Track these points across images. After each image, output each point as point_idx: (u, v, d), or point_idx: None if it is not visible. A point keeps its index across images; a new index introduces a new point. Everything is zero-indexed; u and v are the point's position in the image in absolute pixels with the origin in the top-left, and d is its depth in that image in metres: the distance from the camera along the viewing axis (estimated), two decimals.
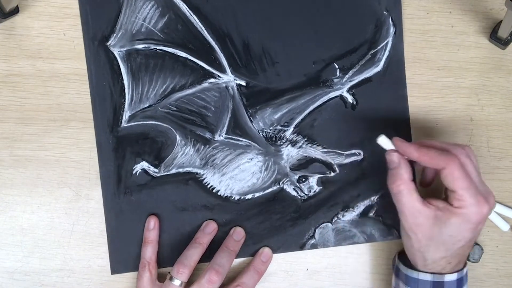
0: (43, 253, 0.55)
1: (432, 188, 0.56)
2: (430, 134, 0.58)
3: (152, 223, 0.54)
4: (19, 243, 0.55)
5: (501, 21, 0.56)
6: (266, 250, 0.57)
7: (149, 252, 0.54)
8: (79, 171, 0.55)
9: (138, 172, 0.55)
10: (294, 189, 0.57)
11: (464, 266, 0.51)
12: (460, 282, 0.50)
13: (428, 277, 0.50)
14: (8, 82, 0.54)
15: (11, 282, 0.55)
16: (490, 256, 0.59)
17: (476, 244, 0.58)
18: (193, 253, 0.53)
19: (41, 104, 0.55)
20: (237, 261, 0.57)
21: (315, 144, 0.57)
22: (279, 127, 0.56)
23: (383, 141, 0.50)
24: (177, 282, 0.52)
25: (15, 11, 0.53)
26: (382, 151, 0.53)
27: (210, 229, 0.55)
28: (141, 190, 0.55)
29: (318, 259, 0.58)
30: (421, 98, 0.58)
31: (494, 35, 0.57)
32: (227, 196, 0.56)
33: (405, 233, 0.50)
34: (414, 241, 0.49)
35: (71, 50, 0.55)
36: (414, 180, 0.50)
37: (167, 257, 0.55)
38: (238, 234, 0.56)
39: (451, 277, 0.49)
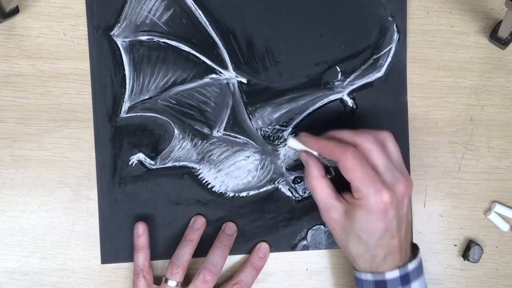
0: (43, 253, 0.55)
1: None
2: (430, 134, 0.58)
3: (141, 229, 0.54)
4: (19, 243, 0.55)
5: (501, 21, 0.56)
6: (263, 245, 0.57)
7: (141, 259, 0.54)
8: (79, 171, 0.55)
9: (134, 163, 0.55)
10: (289, 189, 0.57)
11: (410, 261, 0.49)
12: (406, 278, 0.49)
13: (369, 277, 0.49)
14: (8, 82, 0.54)
15: (11, 282, 0.55)
16: (490, 256, 0.59)
17: (476, 244, 0.58)
18: (184, 252, 0.53)
19: (41, 104, 0.55)
20: (235, 259, 0.57)
21: None
22: (277, 127, 0.56)
23: (293, 143, 0.51)
24: (172, 283, 0.52)
25: (15, 11, 0.53)
26: None
27: (198, 224, 0.55)
28: (136, 181, 0.55)
29: (318, 259, 0.58)
30: (421, 98, 0.58)
31: (494, 35, 0.57)
32: (221, 192, 0.56)
33: (329, 228, 0.51)
34: (335, 236, 0.50)
35: (71, 50, 0.55)
36: (332, 175, 0.51)
37: (160, 250, 0.55)
38: (230, 229, 0.56)
39: (393, 274, 0.48)
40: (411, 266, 0.49)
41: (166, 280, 0.52)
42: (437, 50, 0.58)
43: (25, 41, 0.54)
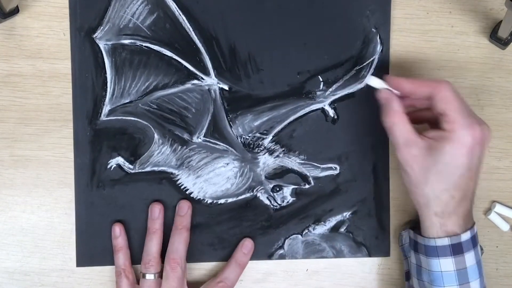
0: (43, 253, 0.55)
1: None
2: None
3: (118, 230, 0.54)
4: (19, 243, 0.55)
5: (501, 21, 0.56)
6: (247, 242, 0.56)
7: (122, 259, 0.54)
8: None
9: (112, 167, 0.55)
10: (267, 197, 0.57)
11: (474, 223, 0.50)
12: (474, 240, 0.49)
13: (445, 242, 0.48)
14: (8, 82, 0.54)
15: (11, 282, 0.55)
16: (490, 256, 0.59)
17: None
18: (152, 245, 0.53)
19: (41, 104, 0.55)
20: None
21: (292, 154, 0.57)
22: (258, 135, 0.56)
23: (373, 81, 0.51)
24: (150, 277, 0.53)
25: (15, 11, 0.53)
26: (359, 167, 0.56)
27: (156, 213, 0.55)
28: (114, 185, 0.55)
29: (318, 259, 0.58)
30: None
31: (494, 35, 0.57)
32: (199, 198, 0.56)
33: (403, 169, 0.49)
34: (411, 176, 0.48)
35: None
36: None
37: (137, 254, 0.55)
38: (182, 210, 0.55)
39: (466, 236, 0.48)
40: (476, 228, 0.50)
41: (144, 275, 0.53)
42: (437, 50, 0.58)
43: (25, 41, 0.54)
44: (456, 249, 0.48)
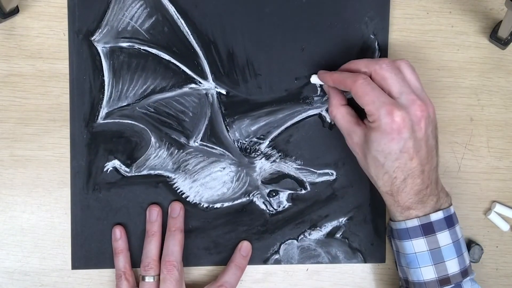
0: (43, 253, 0.55)
1: None
2: None
3: (118, 233, 0.54)
4: (19, 243, 0.55)
5: (501, 21, 0.56)
6: (245, 244, 0.57)
7: (122, 262, 0.54)
8: None
9: (109, 170, 0.55)
10: (263, 202, 0.57)
11: (449, 204, 0.51)
12: (450, 220, 0.50)
13: (415, 222, 0.50)
14: (8, 82, 0.54)
15: (11, 282, 0.55)
16: (490, 256, 0.59)
17: (476, 244, 0.58)
18: (151, 247, 0.53)
19: (41, 104, 0.55)
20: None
21: (289, 159, 0.57)
22: (255, 139, 0.56)
23: (315, 79, 0.55)
24: (149, 279, 0.53)
25: (15, 11, 0.53)
26: (355, 173, 0.56)
27: (154, 216, 0.55)
28: (110, 188, 0.55)
29: None
30: None
31: (494, 35, 0.57)
32: (195, 202, 0.56)
33: (355, 155, 0.52)
34: (359, 160, 0.52)
35: None
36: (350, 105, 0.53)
37: (132, 258, 0.55)
38: (174, 211, 0.55)
39: (437, 216, 0.49)
40: (453, 208, 0.51)
41: (143, 278, 0.53)
42: (437, 50, 0.58)
43: (25, 41, 0.54)
44: (427, 229, 0.49)
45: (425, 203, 0.50)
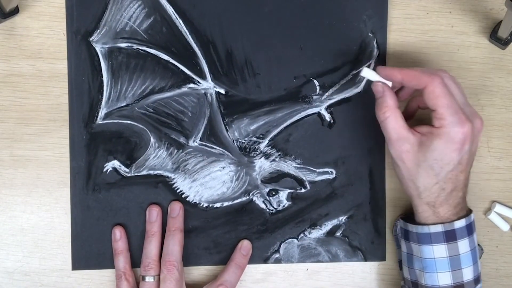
0: (43, 253, 0.55)
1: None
2: None
3: (118, 234, 0.54)
4: (19, 243, 0.55)
5: (501, 21, 0.56)
6: (245, 243, 0.57)
7: (122, 262, 0.54)
8: None
9: (108, 170, 0.55)
10: (263, 201, 0.57)
11: (470, 212, 0.51)
12: (470, 228, 0.50)
13: (439, 228, 0.49)
14: (8, 82, 0.54)
15: (11, 282, 0.55)
16: (490, 256, 0.59)
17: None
18: (151, 248, 0.53)
19: (41, 104, 0.55)
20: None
21: (288, 158, 0.57)
22: (254, 139, 0.56)
23: (368, 73, 0.51)
24: (150, 279, 0.53)
25: (15, 11, 0.53)
26: (354, 172, 0.56)
27: (154, 216, 0.55)
28: (110, 188, 0.55)
29: None
30: None
31: (494, 35, 0.57)
32: (195, 202, 0.56)
33: (395, 163, 0.50)
34: (403, 170, 0.50)
35: None
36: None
37: (132, 258, 0.55)
38: (174, 211, 0.55)
39: (460, 224, 0.49)
40: (473, 216, 0.51)
41: (143, 278, 0.53)
42: (437, 50, 0.58)
43: (25, 41, 0.54)
44: (450, 236, 0.49)
45: (458, 214, 0.50)
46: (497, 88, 0.59)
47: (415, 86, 0.49)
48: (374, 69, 0.51)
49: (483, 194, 0.59)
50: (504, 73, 0.59)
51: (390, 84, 0.50)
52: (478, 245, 0.58)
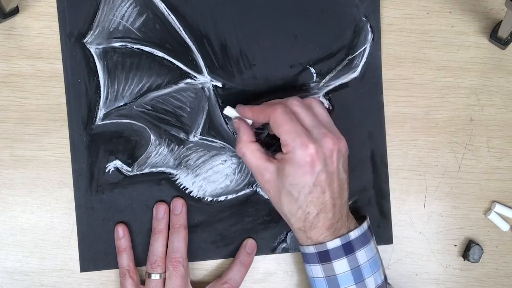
0: (43, 253, 0.55)
1: None
2: (430, 134, 0.58)
3: (121, 231, 0.54)
4: (19, 243, 0.55)
5: (501, 21, 0.56)
6: (250, 241, 0.57)
7: (126, 260, 0.54)
8: None
9: (111, 171, 0.55)
10: None
11: (351, 230, 0.50)
12: (349, 247, 0.49)
13: (312, 249, 0.50)
14: (8, 82, 0.54)
15: (11, 282, 0.55)
16: (490, 256, 0.59)
17: (476, 244, 0.58)
18: (158, 245, 0.54)
19: (41, 104, 0.55)
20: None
21: None
22: (254, 130, 0.56)
23: (229, 111, 0.53)
24: (156, 276, 0.53)
25: (15, 11, 0.53)
26: (356, 157, 0.56)
27: (161, 213, 0.55)
28: (114, 188, 0.55)
29: None
30: (421, 98, 0.58)
31: (494, 35, 0.57)
32: (199, 197, 0.56)
33: (265, 192, 0.51)
34: (270, 198, 0.51)
35: None
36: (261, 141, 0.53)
37: (140, 256, 0.55)
38: (176, 208, 0.55)
39: (334, 244, 0.49)
40: (353, 234, 0.50)
41: (149, 275, 0.53)
42: (437, 50, 0.58)
43: (25, 41, 0.54)
44: (323, 257, 0.49)
45: (335, 234, 0.49)
46: (497, 88, 0.59)
47: (264, 120, 0.50)
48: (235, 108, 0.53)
49: (483, 194, 0.59)
50: (504, 73, 0.59)
51: (250, 121, 0.52)
52: (478, 244, 0.58)
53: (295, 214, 0.49)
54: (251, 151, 0.50)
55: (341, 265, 0.49)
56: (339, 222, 0.50)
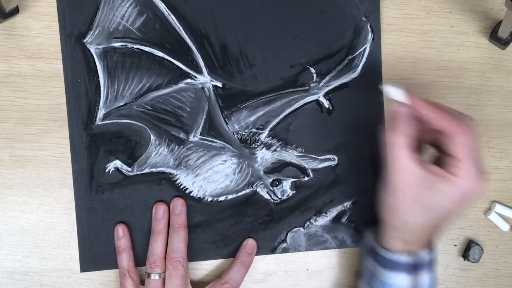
0: (43, 253, 0.55)
1: None
2: None
3: (121, 231, 0.54)
4: (19, 243, 0.55)
5: (501, 21, 0.56)
6: (251, 242, 0.57)
7: (126, 260, 0.54)
8: None
9: (111, 171, 0.55)
10: (267, 192, 0.57)
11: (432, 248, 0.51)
12: (432, 263, 0.50)
13: (406, 259, 0.49)
14: (8, 82, 0.54)
15: (11, 282, 0.55)
16: (490, 256, 0.59)
17: (476, 244, 0.58)
18: (157, 245, 0.54)
19: (41, 104, 0.55)
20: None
21: (289, 148, 0.57)
22: (254, 130, 0.56)
23: (393, 92, 0.47)
24: (155, 276, 0.53)
25: (15, 11, 0.53)
26: (356, 157, 0.55)
27: (160, 214, 0.55)
28: (114, 188, 0.55)
29: (318, 259, 0.58)
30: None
31: (494, 35, 0.57)
32: (199, 197, 0.56)
33: (392, 190, 0.48)
34: (399, 200, 0.47)
35: None
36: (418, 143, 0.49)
37: (140, 256, 0.55)
38: (176, 208, 0.55)
39: (426, 257, 0.49)
40: (434, 253, 0.51)
41: (149, 275, 0.53)
42: (437, 50, 0.58)
43: (25, 41, 0.54)
44: (414, 267, 0.49)
45: (424, 247, 0.50)
46: (497, 88, 0.59)
47: (438, 127, 0.46)
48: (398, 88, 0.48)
49: (483, 194, 0.59)
50: (504, 73, 0.59)
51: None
52: (478, 244, 0.58)
53: (414, 227, 0.48)
54: (403, 146, 0.46)
55: (426, 278, 0.50)
56: (434, 240, 0.51)
